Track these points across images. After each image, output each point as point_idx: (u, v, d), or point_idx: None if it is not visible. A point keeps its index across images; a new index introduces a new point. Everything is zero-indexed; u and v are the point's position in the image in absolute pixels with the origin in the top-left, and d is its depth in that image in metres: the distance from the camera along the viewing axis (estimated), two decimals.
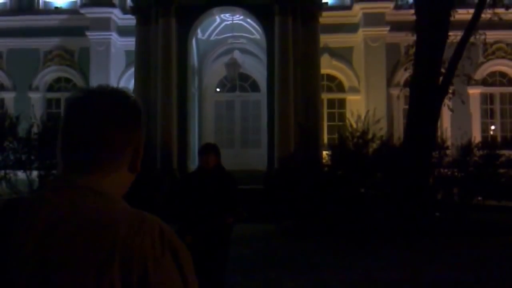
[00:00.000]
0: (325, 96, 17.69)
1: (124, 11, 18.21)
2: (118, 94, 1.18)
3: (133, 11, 16.33)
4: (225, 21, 17.43)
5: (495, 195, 13.04)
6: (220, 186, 5.26)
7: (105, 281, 0.97)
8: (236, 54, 17.62)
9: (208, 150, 5.33)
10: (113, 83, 18.40)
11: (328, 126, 17.84)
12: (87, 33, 18.10)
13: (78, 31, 18.13)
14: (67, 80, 19.33)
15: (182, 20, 15.70)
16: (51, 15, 18.89)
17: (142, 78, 15.76)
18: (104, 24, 18.11)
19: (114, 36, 18.38)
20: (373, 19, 17.53)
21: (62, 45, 18.97)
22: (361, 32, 17.82)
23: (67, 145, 1.12)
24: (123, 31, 18.26)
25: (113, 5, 18.27)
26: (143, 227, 1.03)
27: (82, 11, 18.21)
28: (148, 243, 1.01)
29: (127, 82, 18.32)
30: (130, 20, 16.91)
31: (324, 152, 14.45)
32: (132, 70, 17.01)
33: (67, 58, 19.07)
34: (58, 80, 19.44)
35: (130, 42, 16.94)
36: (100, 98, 1.15)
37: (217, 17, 17.09)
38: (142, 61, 15.85)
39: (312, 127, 14.81)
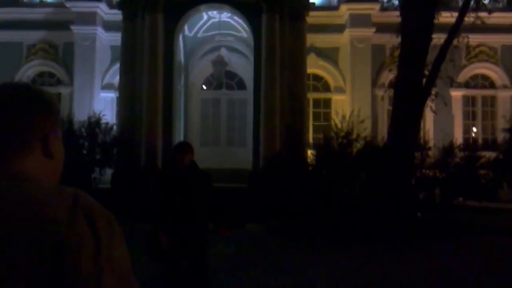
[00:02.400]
0: (311, 96, 17.80)
1: (111, 5, 18.10)
2: (20, 86, 1.25)
3: (120, 6, 16.25)
4: (213, 18, 17.43)
5: (476, 196, 13.27)
6: (198, 186, 5.26)
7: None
8: (223, 52, 17.64)
9: (186, 149, 5.35)
10: (98, 78, 18.33)
11: (314, 125, 17.95)
12: (72, 27, 17.96)
13: (63, 25, 17.98)
14: (51, 75, 19.17)
15: (169, 16, 15.67)
16: (36, 8, 18.70)
17: (127, 74, 15.69)
18: (89, 19, 17.98)
19: (99, 31, 18.27)
20: (359, 20, 17.68)
21: (46, 39, 18.78)
22: (347, 33, 17.96)
23: None
24: (109, 26, 18.15)
25: (99, 0, 18.16)
26: (58, 199, 1.10)
27: (68, 4, 18.04)
28: (62, 212, 1.08)
29: (112, 77, 18.23)
30: (116, 15, 16.81)
31: (309, 152, 14.56)
32: (117, 65, 16.91)
33: (51, 52, 18.90)
34: (41, 74, 19.26)
35: (116, 37, 16.85)
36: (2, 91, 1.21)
37: (204, 14, 17.09)
38: (128, 56, 15.78)
39: (298, 126, 14.90)
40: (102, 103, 17.67)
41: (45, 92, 1.27)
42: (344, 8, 17.95)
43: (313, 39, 17.04)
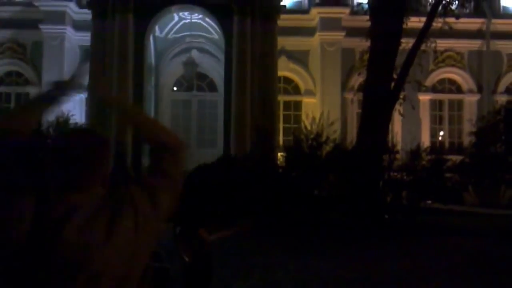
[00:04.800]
0: (281, 98, 17.88)
1: (80, 5, 17.87)
2: (90, 134, 1.87)
3: (90, 5, 16.08)
4: (184, 19, 17.39)
5: (442, 198, 13.48)
6: None
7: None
8: (194, 53, 17.61)
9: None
10: (67, 78, 18.00)
11: (284, 128, 18.03)
12: (41, 27, 17.68)
13: (31, 24, 17.67)
14: (19, 74, 18.82)
15: (140, 16, 15.57)
16: (4, 7, 18.33)
17: (97, 74, 15.51)
18: (58, 18, 17.72)
19: (69, 30, 18.02)
20: (329, 24, 17.85)
21: (14, 38, 18.45)
22: (317, 36, 18.11)
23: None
24: (78, 26, 17.92)
25: None
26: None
27: (36, 3, 17.75)
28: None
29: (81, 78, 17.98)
30: (86, 15, 16.63)
31: (279, 154, 14.61)
32: (87, 65, 16.70)
33: (19, 51, 18.56)
34: (9, 74, 18.88)
35: (85, 37, 16.65)
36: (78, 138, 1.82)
37: (175, 15, 17.03)
38: (98, 57, 15.62)
39: (268, 128, 14.96)
40: (71, 103, 17.35)
41: (107, 139, 1.89)
42: (314, 11, 18.10)
43: (284, 42, 17.14)
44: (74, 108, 16.66)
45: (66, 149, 1.74)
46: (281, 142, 16.78)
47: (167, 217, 1.83)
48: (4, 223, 1.62)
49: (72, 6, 17.97)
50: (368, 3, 13.56)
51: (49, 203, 1.64)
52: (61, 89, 1.92)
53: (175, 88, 18.94)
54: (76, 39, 18.12)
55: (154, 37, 17.33)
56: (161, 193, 1.79)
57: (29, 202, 1.63)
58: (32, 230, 1.59)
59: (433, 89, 19.15)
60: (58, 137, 2.03)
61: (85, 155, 1.73)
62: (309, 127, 13.53)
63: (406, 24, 12.89)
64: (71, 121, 14.85)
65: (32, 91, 18.29)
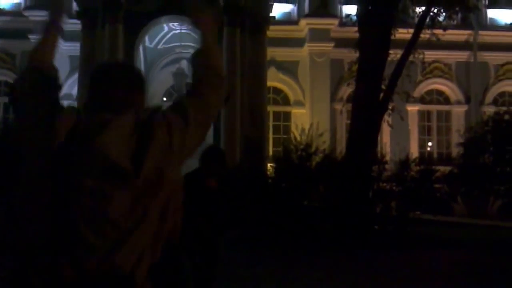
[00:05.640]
0: (271, 109, 17.91)
1: (70, 15, 17.79)
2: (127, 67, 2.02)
3: (79, 15, 16.05)
4: (173, 30, 17.40)
5: (431, 209, 13.53)
6: None
7: None
8: (184, 64, 17.60)
9: None
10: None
11: (274, 138, 18.05)
12: (30, 36, 17.58)
13: (20, 34, 17.59)
14: (7, 84, 18.70)
15: (130, 27, 15.56)
16: None
17: (86, 84, 15.44)
18: None
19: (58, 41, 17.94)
20: (318, 35, 17.96)
21: (3, 47, 18.37)
22: (306, 47, 18.20)
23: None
24: (68, 36, 17.69)
25: None
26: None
27: (26, 13, 17.71)
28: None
29: (70, 88, 17.91)
30: (75, 25, 16.56)
31: (269, 164, 14.61)
32: (76, 75, 16.66)
33: (8, 61, 18.48)
34: None
35: (74, 47, 16.59)
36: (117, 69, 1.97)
37: (165, 25, 17.05)
38: (87, 67, 15.55)
39: (258, 139, 14.97)
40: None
41: (140, 71, 2.00)
42: (304, 22, 18.21)
43: (273, 53, 17.21)
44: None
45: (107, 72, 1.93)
46: (270, 152, 16.79)
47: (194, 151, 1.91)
48: (44, 128, 1.75)
49: None
50: (356, 14, 13.66)
51: (83, 119, 1.78)
52: (53, 12, 2.11)
53: (164, 99, 18.91)
54: (65, 49, 18.01)
55: (144, 47, 17.33)
56: (193, 124, 1.84)
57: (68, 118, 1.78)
58: (67, 138, 1.71)
59: (422, 100, 19.29)
60: (99, 66, 2.05)
61: (123, 79, 1.85)
62: (298, 138, 13.55)
63: (394, 36, 13.00)
64: None
65: None
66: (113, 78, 1.86)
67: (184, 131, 1.80)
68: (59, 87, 2.00)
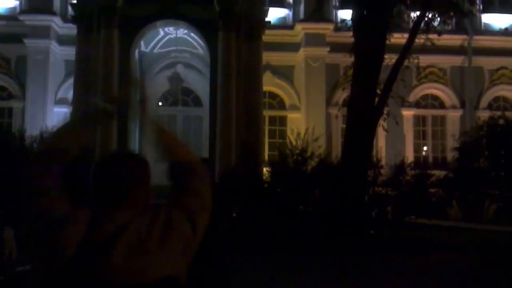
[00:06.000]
0: (266, 113, 17.92)
1: (65, 19, 17.83)
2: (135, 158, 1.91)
3: (75, 20, 16.05)
4: (169, 34, 17.41)
5: (426, 213, 13.55)
6: None
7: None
8: (179, 68, 17.62)
9: None
10: (51, 92, 17.93)
11: (269, 142, 18.04)
12: (26, 41, 17.59)
13: (16, 38, 17.56)
14: (3, 89, 18.64)
15: (125, 31, 15.56)
16: None
17: (81, 88, 15.44)
18: (43, 32, 17.64)
19: (53, 45, 17.94)
20: (314, 40, 18.00)
21: None
22: (302, 52, 18.24)
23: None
24: (63, 40, 17.87)
25: (53, 13, 17.85)
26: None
27: (21, 18, 17.69)
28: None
29: (66, 92, 17.90)
30: (71, 29, 16.60)
31: (265, 169, 14.61)
32: (71, 80, 16.65)
33: (3, 65, 18.41)
34: None
35: (70, 52, 16.61)
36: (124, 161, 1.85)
37: (160, 30, 17.06)
38: (82, 71, 15.56)
39: (254, 143, 14.97)
40: (55, 118, 17.26)
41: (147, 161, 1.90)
42: (299, 27, 18.25)
43: (269, 57, 17.24)
44: (59, 123, 16.52)
45: (109, 171, 1.79)
46: (266, 157, 16.78)
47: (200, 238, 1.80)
48: (62, 231, 1.62)
49: (57, 20, 17.92)
50: (351, 19, 13.69)
51: (97, 222, 1.66)
52: (115, 105, 1.90)
53: (160, 103, 18.89)
54: (61, 53, 18.05)
55: (140, 51, 17.33)
56: (198, 214, 1.79)
57: (84, 217, 1.67)
58: (82, 245, 1.61)
59: (417, 104, 19.33)
60: (100, 162, 1.90)
61: (129, 175, 1.77)
62: (294, 142, 13.57)
63: (389, 40, 13.03)
64: None
65: (16, 105, 18.16)
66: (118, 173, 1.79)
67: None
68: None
